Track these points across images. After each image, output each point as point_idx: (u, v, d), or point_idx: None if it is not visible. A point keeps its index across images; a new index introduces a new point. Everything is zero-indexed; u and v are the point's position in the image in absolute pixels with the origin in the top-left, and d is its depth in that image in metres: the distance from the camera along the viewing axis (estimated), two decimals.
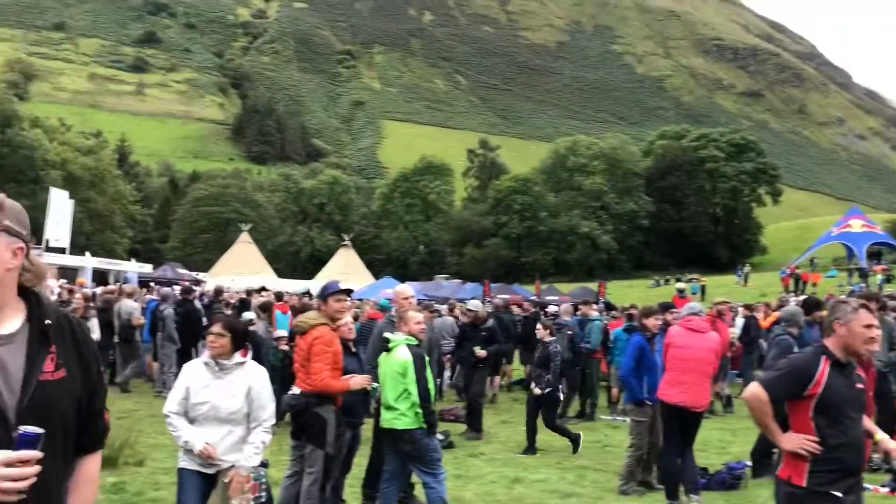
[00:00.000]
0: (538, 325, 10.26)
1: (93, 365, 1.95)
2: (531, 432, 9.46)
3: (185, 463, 4.26)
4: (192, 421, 4.23)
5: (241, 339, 4.34)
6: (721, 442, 9.89)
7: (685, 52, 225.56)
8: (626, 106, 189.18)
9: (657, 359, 7.26)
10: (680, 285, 25.71)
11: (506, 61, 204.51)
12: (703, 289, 38.16)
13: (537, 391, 9.38)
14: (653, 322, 7.60)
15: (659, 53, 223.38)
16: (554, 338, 9.85)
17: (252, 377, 4.29)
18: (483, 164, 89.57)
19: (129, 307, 13.24)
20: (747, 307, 15.99)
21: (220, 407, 4.17)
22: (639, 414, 7.40)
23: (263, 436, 4.23)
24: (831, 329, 3.84)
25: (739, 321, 14.97)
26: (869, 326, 3.71)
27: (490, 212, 71.80)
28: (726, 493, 7.47)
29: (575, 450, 9.22)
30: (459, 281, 38.87)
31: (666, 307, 8.67)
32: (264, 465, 4.39)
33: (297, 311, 12.67)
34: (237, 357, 4.30)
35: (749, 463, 7.99)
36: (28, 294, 1.86)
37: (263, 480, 4.31)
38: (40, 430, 1.66)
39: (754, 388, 3.84)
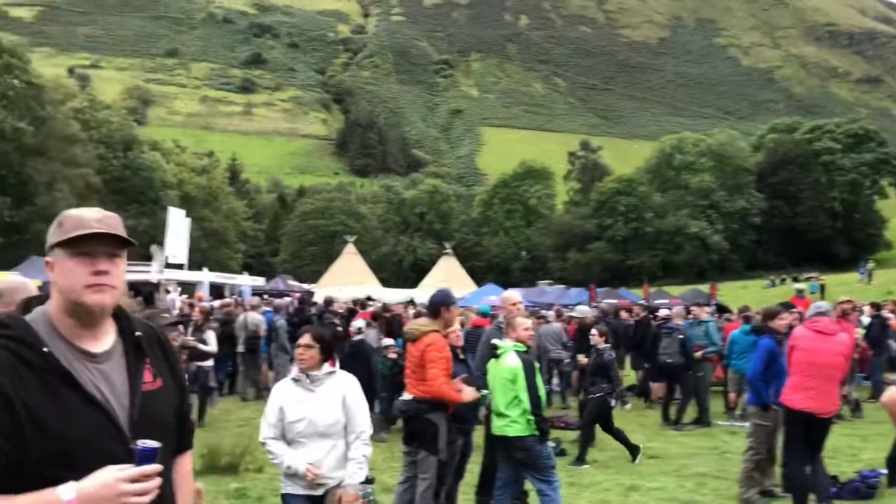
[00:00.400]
0: (592, 331, 9.98)
1: (179, 370, 2.01)
2: (622, 440, 9.18)
3: (290, 488, 4.10)
4: (291, 442, 4.06)
5: (329, 348, 4.23)
6: (851, 449, 9.34)
7: (795, 41, 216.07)
8: (733, 100, 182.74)
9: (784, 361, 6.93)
10: (799, 285, 24.61)
11: (605, 61, 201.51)
12: (822, 288, 36.33)
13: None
14: (780, 323, 7.28)
15: (766, 44, 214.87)
16: (608, 345, 9.55)
17: (345, 386, 4.12)
18: (584, 166, 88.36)
19: (256, 319, 13.77)
20: (874, 306, 15.11)
21: (317, 421, 4.00)
22: (763, 418, 7.08)
23: (364, 449, 4.06)
24: None
25: (865, 321, 14.16)
26: None
27: (593, 215, 70.57)
28: (860, 502, 7.04)
29: (577, 462, 8.88)
30: (563, 286, 38.42)
31: (787, 307, 8.26)
32: (370, 480, 4.21)
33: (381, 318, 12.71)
34: (326, 367, 4.15)
35: (884, 471, 7.51)
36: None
37: (371, 497, 4.14)
38: (158, 444, 1.70)
39: (895, 392, 3.61)
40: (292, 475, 4.05)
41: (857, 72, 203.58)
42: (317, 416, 4.01)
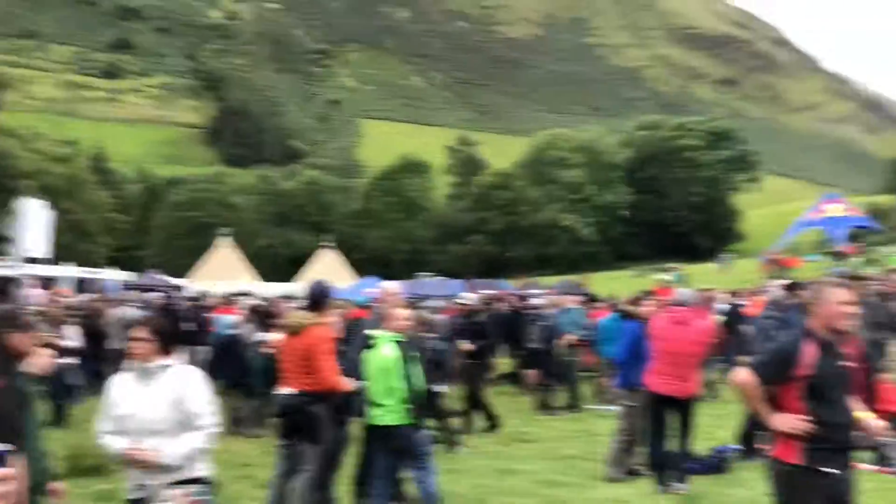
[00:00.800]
0: (415, 318, 10.13)
1: (16, 367, 1.93)
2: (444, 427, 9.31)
3: (132, 493, 3.82)
4: (124, 438, 3.77)
5: (169, 340, 3.93)
6: (708, 427, 9.93)
7: (660, 42, 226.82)
8: (604, 98, 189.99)
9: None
10: (663, 275, 25.87)
11: (482, 56, 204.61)
12: (685, 277, 38.37)
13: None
14: (643, 310, 7.68)
15: (634, 44, 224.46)
16: (434, 335, 9.67)
17: (182, 381, 3.82)
18: (463, 160, 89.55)
19: (133, 315, 13.14)
20: (731, 293, 16.10)
21: (144, 416, 3.73)
22: (630, 399, 7.45)
23: (200, 439, 3.75)
24: (811, 310, 3.91)
25: (723, 307, 15.06)
26: (844, 303, 3.78)
27: (472, 208, 71.77)
28: (715, 477, 7.53)
29: (452, 448, 8.97)
30: (442, 278, 38.80)
31: (650, 294, 8.73)
32: (205, 481, 3.87)
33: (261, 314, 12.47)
34: (163, 360, 3.85)
35: (737, 446, 8.06)
36: None
37: (207, 498, 3.82)
38: (9, 447, 1.63)
39: (743, 373, 3.90)
40: (128, 469, 3.80)
41: (716, 73, 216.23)
42: (145, 411, 3.75)
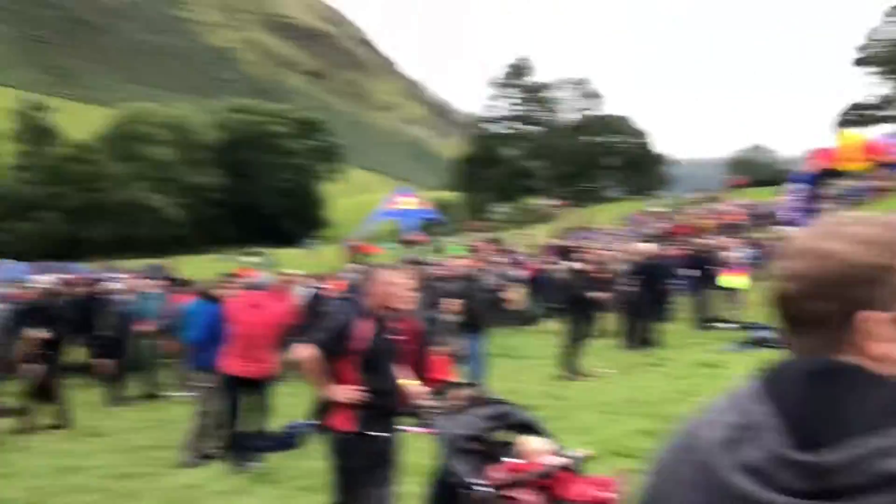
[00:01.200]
0: None
1: None
2: None
3: None
4: None
5: None
6: (285, 406, 10.33)
7: (254, 27, 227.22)
8: (194, 75, 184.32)
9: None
10: (247, 258, 26.13)
11: (57, 14, 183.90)
12: (273, 261, 39.21)
13: None
14: (222, 292, 7.72)
15: (227, 25, 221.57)
16: None
17: None
18: (32, 126, 79.69)
19: None
20: (314, 277, 16.87)
21: None
22: (205, 381, 7.44)
23: None
24: (367, 291, 4.35)
25: (305, 290, 15.74)
26: (394, 284, 4.29)
27: (42, 181, 64.75)
28: (287, 452, 7.87)
29: None
30: (5, 260, 34.31)
31: (233, 277, 8.82)
32: None
33: None
34: None
35: (309, 421, 8.52)
36: None
37: None
38: None
39: (306, 348, 4.17)
40: None
41: (306, 65, 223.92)
42: None
